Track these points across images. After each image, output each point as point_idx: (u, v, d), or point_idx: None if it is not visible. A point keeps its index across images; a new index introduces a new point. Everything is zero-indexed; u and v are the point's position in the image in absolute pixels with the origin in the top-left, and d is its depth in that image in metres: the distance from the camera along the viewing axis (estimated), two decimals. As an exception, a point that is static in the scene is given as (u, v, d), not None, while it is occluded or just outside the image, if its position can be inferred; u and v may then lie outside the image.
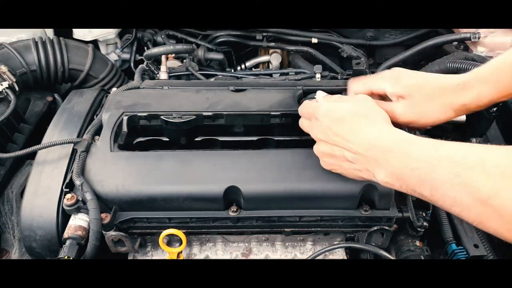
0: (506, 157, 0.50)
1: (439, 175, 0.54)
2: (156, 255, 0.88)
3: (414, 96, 0.72)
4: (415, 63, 1.37)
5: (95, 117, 0.95)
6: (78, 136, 0.88)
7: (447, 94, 0.71)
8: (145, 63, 1.20)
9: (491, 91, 0.68)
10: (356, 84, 0.80)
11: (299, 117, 0.80)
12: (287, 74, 1.29)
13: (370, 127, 0.65)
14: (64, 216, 0.78)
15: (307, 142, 0.84)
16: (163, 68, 1.18)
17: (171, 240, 0.85)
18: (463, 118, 0.81)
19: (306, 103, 0.78)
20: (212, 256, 0.89)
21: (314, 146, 0.74)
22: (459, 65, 0.95)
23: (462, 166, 0.52)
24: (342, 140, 0.66)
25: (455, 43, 1.21)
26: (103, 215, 0.75)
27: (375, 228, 0.81)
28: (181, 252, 0.81)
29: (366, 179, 0.68)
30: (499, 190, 0.49)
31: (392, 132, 0.64)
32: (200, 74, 1.19)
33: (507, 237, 0.50)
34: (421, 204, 0.85)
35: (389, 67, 1.20)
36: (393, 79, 0.75)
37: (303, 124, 0.77)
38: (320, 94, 0.77)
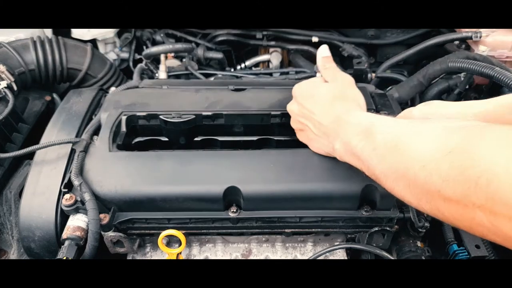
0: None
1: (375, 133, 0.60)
2: (155, 256, 0.88)
3: None
4: (417, 62, 1.36)
5: (93, 116, 0.94)
6: (76, 136, 0.87)
7: None
8: (144, 62, 1.19)
9: None
10: None
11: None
12: (287, 73, 1.28)
13: (338, 106, 0.72)
14: (62, 217, 0.78)
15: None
16: (162, 67, 1.18)
17: (171, 241, 0.85)
18: None
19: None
20: (212, 257, 0.88)
21: (291, 120, 0.82)
22: (460, 65, 0.94)
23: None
24: (309, 113, 0.75)
25: (457, 42, 1.20)
26: (102, 215, 0.74)
27: (376, 228, 0.80)
28: (180, 253, 0.81)
29: (328, 152, 0.75)
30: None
31: (358, 111, 0.71)
32: (200, 73, 1.18)
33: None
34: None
35: (390, 66, 1.20)
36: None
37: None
38: (323, 50, 0.84)
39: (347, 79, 0.79)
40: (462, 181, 0.44)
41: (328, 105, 0.73)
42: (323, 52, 0.85)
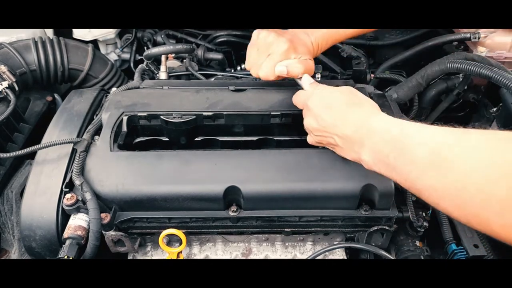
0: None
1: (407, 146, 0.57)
2: (156, 255, 0.88)
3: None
4: (415, 63, 1.37)
5: (95, 117, 0.94)
6: (78, 136, 0.88)
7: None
8: (145, 63, 1.20)
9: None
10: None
11: (299, 117, 0.80)
12: (287, 74, 1.28)
13: (358, 112, 0.69)
14: (64, 216, 0.78)
15: (307, 142, 0.84)
16: (163, 68, 1.18)
17: (171, 240, 0.85)
18: None
19: (299, 92, 0.82)
20: (212, 256, 0.89)
21: (308, 137, 0.78)
22: (459, 65, 0.94)
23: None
24: (330, 125, 0.70)
25: (455, 43, 1.21)
26: (103, 215, 0.75)
27: (375, 228, 0.81)
28: (181, 252, 0.81)
29: (356, 160, 0.70)
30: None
31: (379, 115, 0.67)
32: (200, 74, 1.19)
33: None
34: (421, 204, 0.85)
35: (389, 67, 1.20)
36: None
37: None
38: (306, 79, 0.81)
39: (349, 86, 0.76)
40: None
41: (349, 114, 0.69)
42: (308, 80, 0.81)
